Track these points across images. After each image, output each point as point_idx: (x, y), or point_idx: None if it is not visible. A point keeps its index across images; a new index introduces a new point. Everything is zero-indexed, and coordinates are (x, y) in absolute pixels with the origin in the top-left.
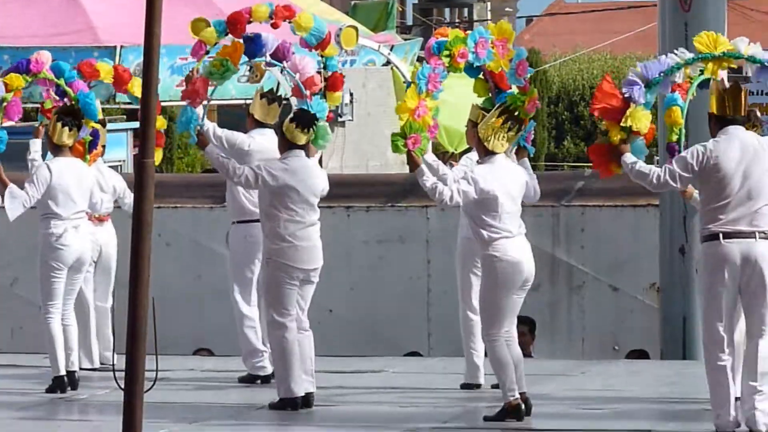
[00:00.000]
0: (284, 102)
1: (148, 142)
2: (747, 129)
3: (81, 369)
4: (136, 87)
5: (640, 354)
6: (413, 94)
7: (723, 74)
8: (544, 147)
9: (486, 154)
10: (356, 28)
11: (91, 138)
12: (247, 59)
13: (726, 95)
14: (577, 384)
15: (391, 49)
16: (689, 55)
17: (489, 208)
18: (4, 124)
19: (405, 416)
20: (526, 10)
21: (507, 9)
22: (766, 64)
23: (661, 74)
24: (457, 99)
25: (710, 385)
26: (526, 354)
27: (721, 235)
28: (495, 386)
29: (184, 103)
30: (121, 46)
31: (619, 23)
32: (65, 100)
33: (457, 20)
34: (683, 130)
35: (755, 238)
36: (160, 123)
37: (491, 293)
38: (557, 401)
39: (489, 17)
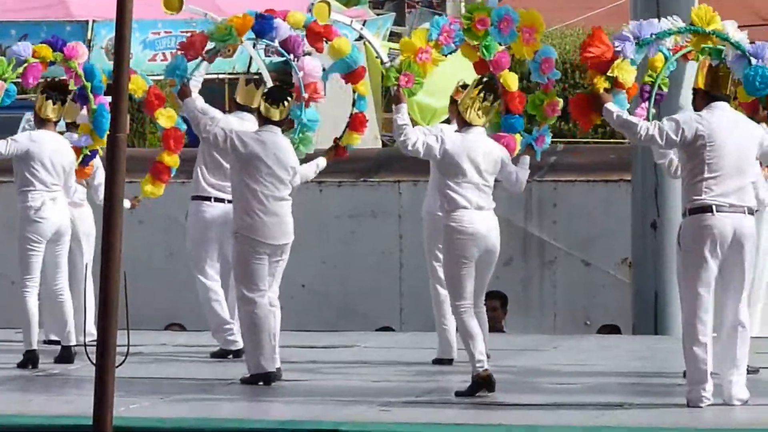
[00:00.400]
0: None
1: (120, 116)
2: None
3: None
4: (162, 117)
5: (611, 329)
6: (422, 36)
7: None
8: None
9: (464, 125)
10: (328, 3)
11: (89, 153)
12: (254, 36)
13: (716, 72)
14: (549, 359)
15: (363, 24)
16: (681, 24)
17: (452, 174)
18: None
19: (377, 391)
20: None
21: None
22: (747, 53)
23: (653, 35)
24: (432, 76)
25: (688, 361)
26: (498, 329)
27: (714, 208)
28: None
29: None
30: (93, 21)
31: None
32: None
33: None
34: (659, 78)
35: (744, 213)
36: (169, 119)
37: (451, 265)
38: (529, 376)
39: None
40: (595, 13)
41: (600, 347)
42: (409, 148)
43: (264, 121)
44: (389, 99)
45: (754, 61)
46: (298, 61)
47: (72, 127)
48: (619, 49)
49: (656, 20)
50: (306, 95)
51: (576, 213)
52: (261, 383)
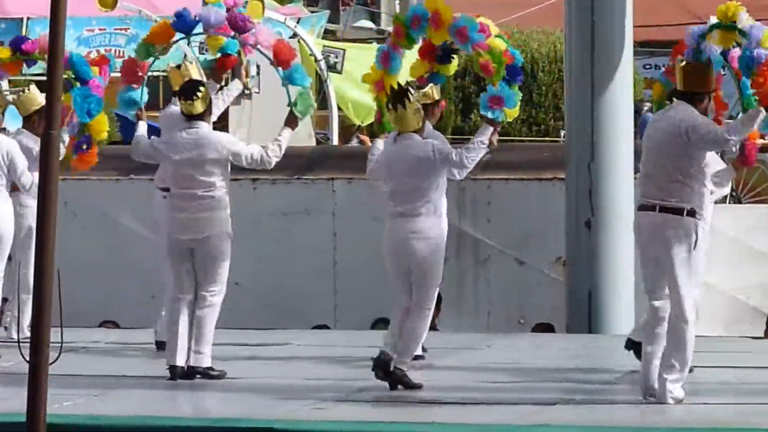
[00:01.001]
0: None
1: (54, 113)
2: None
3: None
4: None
5: (545, 327)
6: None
7: None
8: (450, 120)
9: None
10: (263, 1)
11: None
12: (183, 36)
13: (693, 71)
14: (483, 357)
15: (297, 22)
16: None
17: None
18: None
19: (311, 389)
20: None
21: None
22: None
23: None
24: (366, 69)
25: (689, 352)
26: (432, 327)
27: (696, 211)
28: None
29: None
30: (28, 18)
31: None
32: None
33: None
34: None
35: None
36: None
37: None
38: (463, 374)
39: None
40: (528, 11)
41: (534, 346)
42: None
43: (188, 118)
44: (324, 96)
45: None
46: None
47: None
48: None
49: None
50: (275, 59)
51: (510, 211)
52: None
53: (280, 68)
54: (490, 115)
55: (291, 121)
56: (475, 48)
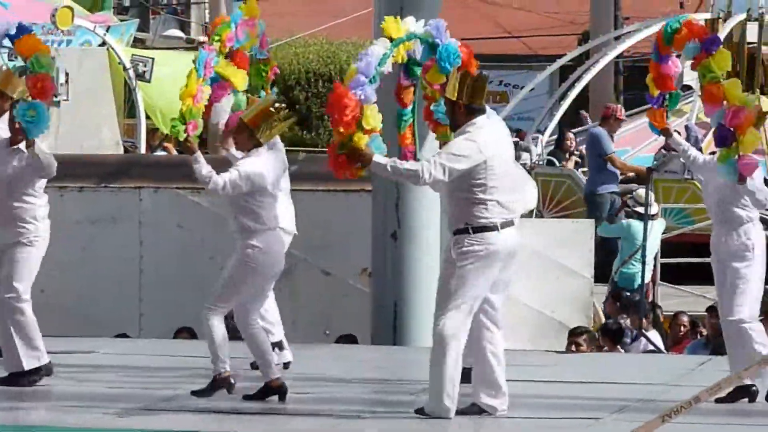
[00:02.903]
0: None
1: None
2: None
3: None
4: None
5: (349, 338)
6: (193, 79)
7: None
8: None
9: (256, 145)
10: (72, 9)
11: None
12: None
13: (474, 82)
14: (289, 368)
15: (107, 30)
16: (387, 42)
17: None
18: None
19: (114, 397)
20: None
21: None
22: (433, 41)
23: (376, 69)
24: (174, 77)
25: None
26: (237, 337)
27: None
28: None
29: None
30: None
31: (336, 8)
32: None
33: (174, 2)
34: (417, 135)
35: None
36: None
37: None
38: None
39: (205, 0)
40: (339, 22)
41: (338, 357)
42: (221, 193)
43: None
44: (132, 105)
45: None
46: None
47: None
48: (361, 96)
49: (372, 48)
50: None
51: (316, 222)
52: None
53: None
54: None
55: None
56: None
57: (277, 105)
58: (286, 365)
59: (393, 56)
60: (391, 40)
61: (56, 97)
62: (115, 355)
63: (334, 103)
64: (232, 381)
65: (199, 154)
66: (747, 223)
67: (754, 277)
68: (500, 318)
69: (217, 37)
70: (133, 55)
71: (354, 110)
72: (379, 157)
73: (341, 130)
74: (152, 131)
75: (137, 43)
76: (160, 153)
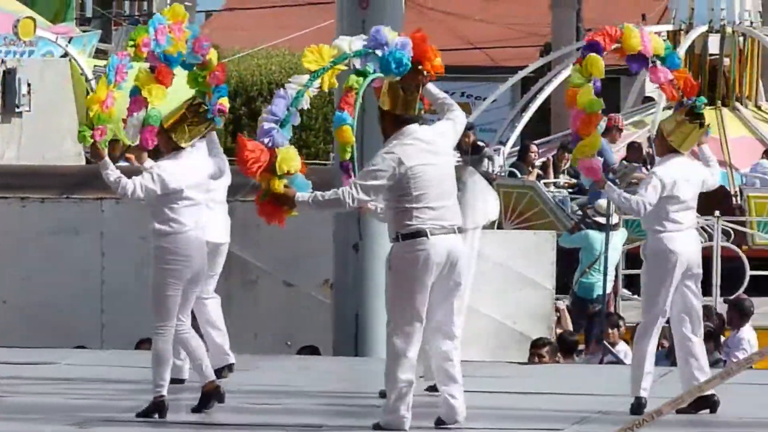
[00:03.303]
0: None
1: None
2: None
3: None
4: None
5: (311, 350)
6: (103, 85)
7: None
8: (221, 141)
9: (175, 149)
10: (34, 20)
11: None
12: None
13: (404, 93)
14: (250, 379)
15: (69, 41)
16: (305, 78)
17: (176, 200)
18: None
19: (77, 408)
20: (206, 4)
21: (186, 3)
22: (370, 50)
23: (289, 108)
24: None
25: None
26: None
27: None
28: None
29: None
30: None
31: (298, 19)
32: None
33: (136, 13)
34: (354, 147)
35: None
36: None
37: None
38: (229, 396)
39: None
40: (300, 34)
41: (301, 368)
42: (130, 197)
43: None
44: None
45: (381, 52)
46: None
47: None
48: (271, 144)
49: (282, 90)
50: None
51: (279, 234)
52: None
53: None
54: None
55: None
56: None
57: (199, 108)
58: (230, 367)
59: (318, 86)
60: (312, 72)
61: (18, 107)
62: (77, 366)
63: (238, 157)
64: (166, 405)
65: (107, 160)
66: (648, 232)
67: (649, 284)
68: (453, 329)
69: (131, 42)
70: (95, 66)
71: (259, 160)
72: (301, 195)
73: (253, 175)
74: (114, 142)
75: (99, 54)
76: (122, 164)
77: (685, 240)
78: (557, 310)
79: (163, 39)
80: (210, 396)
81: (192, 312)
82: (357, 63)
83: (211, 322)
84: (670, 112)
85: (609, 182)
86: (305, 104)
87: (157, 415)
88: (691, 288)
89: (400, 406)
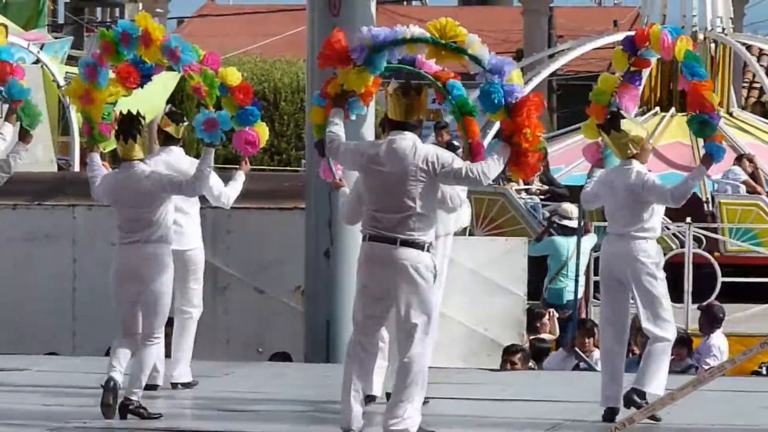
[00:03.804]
0: None
1: None
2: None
3: None
4: None
5: (283, 356)
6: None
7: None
8: (193, 147)
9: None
10: (6, 26)
11: None
12: None
13: (409, 100)
14: (222, 385)
15: (41, 48)
16: (419, 32)
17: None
18: None
19: (48, 414)
20: (177, 11)
21: (158, 10)
22: (486, 68)
23: (386, 41)
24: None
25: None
26: (168, 354)
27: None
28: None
29: None
30: None
31: (269, 26)
32: None
33: (108, 20)
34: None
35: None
36: None
37: None
38: (200, 402)
39: None
40: (271, 41)
41: (272, 375)
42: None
43: None
44: (66, 122)
45: (492, 77)
46: None
47: None
48: (358, 55)
49: (398, 27)
50: None
51: (250, 240)
52: None
53: None
54: (206, 138)
55: (23, 137)
56: (186, 70)
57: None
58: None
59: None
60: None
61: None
62: (48, 372)
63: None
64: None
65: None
66: None
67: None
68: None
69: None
70: (67, 72)
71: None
72: (336, 110)
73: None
74: (86, 149)
75: (71, 60)
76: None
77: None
78: (544, 316)
79: (126, 46)
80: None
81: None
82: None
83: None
84: (641, 119)
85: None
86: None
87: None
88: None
89: (342, 405)
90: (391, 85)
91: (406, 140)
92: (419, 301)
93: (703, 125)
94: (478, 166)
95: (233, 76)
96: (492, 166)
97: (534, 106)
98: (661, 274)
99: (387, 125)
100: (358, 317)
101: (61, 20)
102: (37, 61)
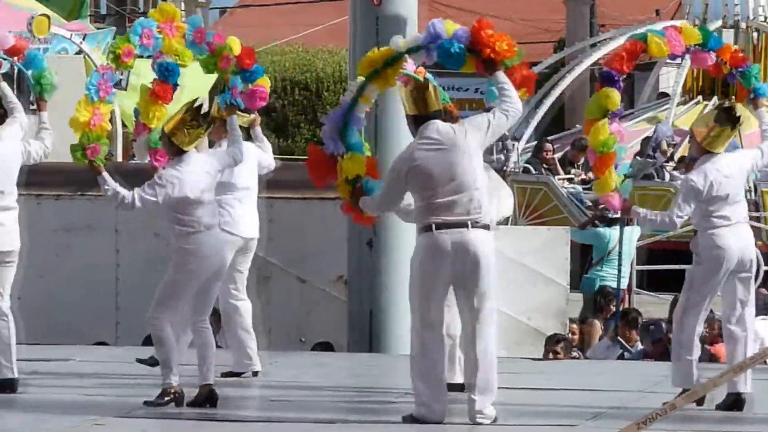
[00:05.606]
0: None
1: None
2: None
3: None
4: None
5: (325, 346)
6: (85, 105)
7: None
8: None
9: (178, 153)
10: (48, 17)
11: None
12: None
13: (420, 93)
14: (265, 375)
15: (83, 38)
16: (355, 84)
17: (184, 205)
18: None
19: (91, 404)
20: (219, 1)
21: (200, 0)
22: (425, 44)
23: (346, 115)
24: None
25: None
26: (216, 345)
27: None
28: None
29: None
30: None
31: (312, 16)
32: None
33: (151, 10)
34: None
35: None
36: None
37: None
38: (244, 391)
39: (183, 8)
40: (314, 30)
41: (315, 364)
42: (131, 209)
43: None
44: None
45: (434, 44)
46: None
47: None
48: (331, 152)
49: (343, 97)
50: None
51: (292, 230)
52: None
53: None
54: (242, 105)
55: (40, 105)
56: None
57: (199, 110)
58: (255, 373)
59: (373, 89)
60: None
61: (32, 105)
62: (91, 362)
63: (310, 166)
64: (177, 394)
65: (104, 175)
66: (698, 230)
67: (695, 277)
68: (483, 340)
69: (111, 55)
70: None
71: (324, 167)
72: (363, 200)
73: (319, 186)
74: (130, 140)
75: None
76: (137, 161)
77: (735, 235)
78: (587, 324)
79: (150, 42)
80: (203, 398)
81: (217, 311)
82: (411, 61)
83: (244, 326)
84: (684, 107)
85: (634, 208)
86: (362, 110)
87: (167, 401)
88: (743, 281)
89: (423, 397)
90: (400, 86)
91: (442, 123)
92: (490, 286)
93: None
94: (501, 106)
95: (236, 45)
96: (508, 90)
97: (485, 26)
98: None
99: (413, 122)
100: (427, 310)
101: (103, 11)
102: (80, 52)
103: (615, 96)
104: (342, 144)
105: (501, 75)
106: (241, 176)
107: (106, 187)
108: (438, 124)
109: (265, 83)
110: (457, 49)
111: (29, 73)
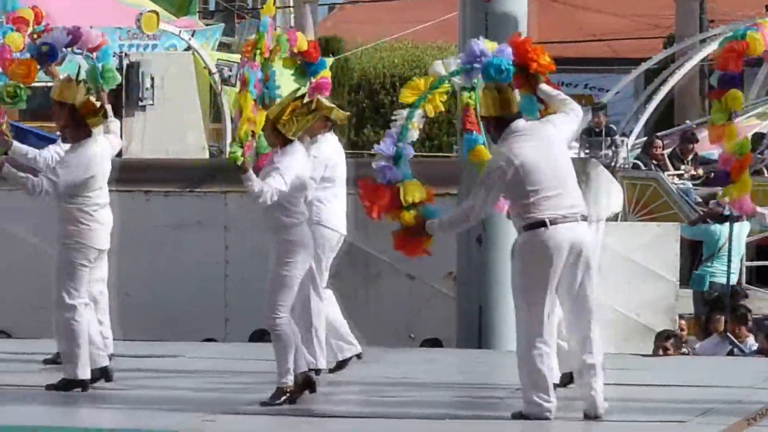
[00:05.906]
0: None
1: None
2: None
3: None
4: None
5: (434, 342)
6: (248, 101)
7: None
8: (344, 134)
9: (286, 143)
10: (157, 13)
11: None
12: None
13: (499, 94)
14: (374, 371)
15: (192, 35)
16: (405, 112)
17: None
18: None
19: (201, 401)
20: None
21: None
22: (467, 66)
23: (397, 144)
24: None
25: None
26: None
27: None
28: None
29: None
30: None
31: (421, 12)
32: None
33: (259, 7)
34: None
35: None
36: None
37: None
38: (354, 388)
39: (292, 4)
40: (423, 26)
41: (425, 360)
42: (269, 203)
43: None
44: (217, 109)
45: (477, 65)
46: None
47: None
48: (387, 180)
49: (390, 128)
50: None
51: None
52: (79, 390)
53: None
54: None
55: (104, 97)
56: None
57: (304, 100)
58: (358, 356)
59: (424, 115)
60: (410, 105)
61: (142, 101)
62: (201, 359)
63: (363, 196)
64: (293, 393)
65: (250, 173)
66: None
67: None
68: (592, 339)
69: (258, 51)
70: (218, 59)
71: (376, 202)
72: (431, 222)
73: (375, 216)
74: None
75: (223, 47)
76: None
77: None
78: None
79: (270, 40)
80: (302, 385)
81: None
82: (460, 82)
83: (334, 315)
84: None
85: (757, 209)
86: (412, 137)
87: (283, 400)
88: None
89: (533, 395)
90: (480, 90)
91: (526, 120)
92: (593, 279)
93: None
94: (562, 109)
95: (303, 43)
96: (560, 94)
97: (526, 41)
98: None
99: (495, 125)
100: (540, 313)
101: (212, 7)
102: (189, 48)
103: (741, 97)
104: (398, 171)
105: (545, 86)
106: (337, 170)
107: (249, 183)
108: (523, 121)
109: (327, 74)
110: (507, 65)
111: (98, 65)
